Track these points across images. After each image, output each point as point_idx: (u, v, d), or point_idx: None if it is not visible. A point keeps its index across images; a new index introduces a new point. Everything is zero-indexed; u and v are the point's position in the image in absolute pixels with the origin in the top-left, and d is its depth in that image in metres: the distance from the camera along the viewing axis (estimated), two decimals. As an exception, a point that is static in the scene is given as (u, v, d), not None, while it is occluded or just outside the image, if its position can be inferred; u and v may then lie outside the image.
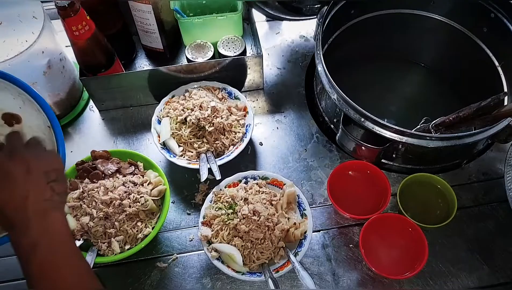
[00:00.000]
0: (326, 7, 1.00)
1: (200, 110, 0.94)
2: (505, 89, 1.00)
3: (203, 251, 0.89)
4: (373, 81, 1.16)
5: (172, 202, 0.95)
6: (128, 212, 0.83)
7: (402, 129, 0.84)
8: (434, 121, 0.93)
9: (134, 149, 1.02)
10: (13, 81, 0.72)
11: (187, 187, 0.97)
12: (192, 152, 0.94)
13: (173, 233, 0.92)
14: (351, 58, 1.14)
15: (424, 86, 1.17)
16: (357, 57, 1.16)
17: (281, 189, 0.90)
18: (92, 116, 1.08)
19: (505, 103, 0.94)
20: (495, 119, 0.83)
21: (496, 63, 1.05)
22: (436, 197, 0.91)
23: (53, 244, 0.56)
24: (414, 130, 0.92)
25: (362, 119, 0.88)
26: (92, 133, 1.05)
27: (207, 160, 0.92)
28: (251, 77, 1.06)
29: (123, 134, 1.05)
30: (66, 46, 1.01)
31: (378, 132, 0.87)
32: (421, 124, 0.98)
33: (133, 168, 0.89)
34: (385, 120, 0.86)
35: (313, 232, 0.90)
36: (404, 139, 0.85)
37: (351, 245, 0.90)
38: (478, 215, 0.93)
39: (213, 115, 0.94)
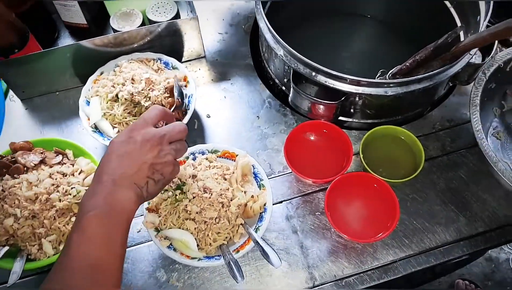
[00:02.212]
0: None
1: (132, 83, 0.83)
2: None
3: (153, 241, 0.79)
4: (321, 39, 1.07)
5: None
6: (58, 207, 0.71)
7: (357, 78, 0.76)
8: (391, 71, 0.86)
9: (65, 138, 0.90)
10: None
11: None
12: (129, 132, 0.83)
13: (117, 225, 0.81)
14: (295, 17, 1.06)
15: (376, 39, 1.09)
16: (302, 15, 1.07)
17: (234, 161, 0.81)
18: (13, 106, 0.94)
19: (462, 39, 0.88)
20: (454, 56, 0.77)
21: (448, 4, 0.98)
22: (402, 150, 0.84)
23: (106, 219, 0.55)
24: None
25: (313, 74, 0.79)
26: (15, 126, 0.92)
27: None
28: (190, 45, 0.96)
29: (51, 122, 0.92)
30: None
31: (332, 85, 0.79)
32: (377, 77, 0.90)
33: (61, 157, 0.78)
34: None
35: (274, 203, 0.82)
36: (361, 89, 0.78)
37: (317, 213, 0.82)
38: (448, 164, 0.87)
39: (148, 88, 0.83)
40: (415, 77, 0.76)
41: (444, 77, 0.79)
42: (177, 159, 0.64)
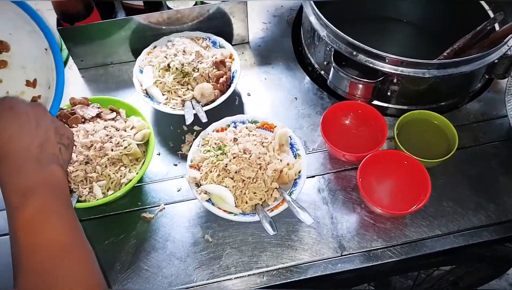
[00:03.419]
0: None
1: (183, 55, 0.89)
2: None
3: (192, 200, 0.84)
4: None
5: (157, 154, 0.90)
6: (110, 156, 0.77)
7: (397, 57, 0.80)
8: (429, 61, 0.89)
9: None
10: None
11: (172, 138, 0.92)
12: (176, 99, 0.89)
13: (159, 184, 0.86)
14: (332, 21, 1.10)
15: (410, 43, 1.12)
16: (337, 19, 1.12)
17: (272, 132, 0.86)
18: (71, 74, 1.02)
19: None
20: (493, 42, 0.80)
21: (486, 7, 1.02)
22: (435, 135, 0.87)
23: (49, 195, 0.51)
24: None
25: (354, 52, 0.84)
26: (71, 92, 0.99)
27: (193, 107, 0.87)
28: (236, 29, 1.02)
29: (105, 93, 0.99)
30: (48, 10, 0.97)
31: (371, 65, 0.83)
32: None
33: (115, 114, 0.84)
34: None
35: (307, 177, 0.85)
36: (400, 70, 0.82)
37: (348, 189, 0.85)
38: (480, 154, 0.89)
39: (197, 60, 0.90)
40: (453, 60, 0.80)
41: (481, 64, 0.82)
42: None
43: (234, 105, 0.96)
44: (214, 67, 0.91)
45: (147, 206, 0.83)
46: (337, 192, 0.85)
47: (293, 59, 1.04)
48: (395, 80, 0.85)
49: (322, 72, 0.98)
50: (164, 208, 0.83)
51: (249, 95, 0.98)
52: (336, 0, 1.06)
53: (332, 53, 0.86)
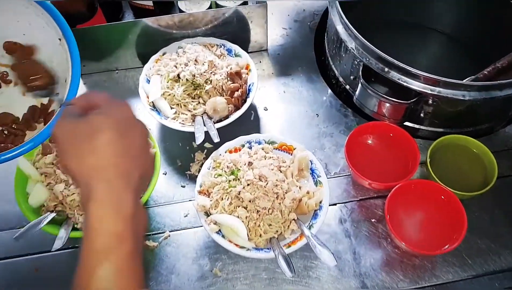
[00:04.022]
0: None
1: (195, 64, 0.81)
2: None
3: (200, 227, 0.76)
4: (386, 49, 1.02)
5: (163, 173, 0.82)
6: (110, 179, 0.69)
7: (434, 77, 0.71)
8: (466, 79, 0.81)
9: (120, 115, 0.89)
10: None
11: (181, 156, 0.84)
12: (186, 114, 0.81)
13: (165, 207, 0.78)
14: (360, 26, 1.01)
15: (442, 53, 1.03)
16: (367, 25, 1.02)
17: (291, 155, 0.77)
18: (73, 80, 0.95)
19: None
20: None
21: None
22: (472, 163, 0.78)
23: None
24: None
25: (386, 69, 0.75)
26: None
27: (204, 123, 0.79)
28: (254, 35, 0.94)
29: (108, 100, 0.92)
30: None
31: (404, 84, 0.74)
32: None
33: (117, 130, 0.76)
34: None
35: (329, 205, 0.77)
36: (436, 90, 0.73)
37: (373, 220, 0.77)
38: (520, 185, 0.80)
39: (210, 71, 0.81)
40: (498, 82, 0.71)
41: (531, 86, 0.72)
42: None
43: (249, 120, 0.88)
44: (228, 79, 0.82)
45: (150, 233, 0.76)
46: (360, 223, 0.77)
47: (315, 70, 0.95)
48: (430, 101, 0.76)
49: (348, 87, 0.89)
50: (169, 236, 0.75)
51: (266, 109, 0.90)
52: (365, 4, 0.97)
53: (361, 68, 0.78)
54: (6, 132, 0.66)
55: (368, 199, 0.79)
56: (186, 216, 0.77)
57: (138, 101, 0.85)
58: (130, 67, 0.95)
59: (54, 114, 0.66)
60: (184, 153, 0.84)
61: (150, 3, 0.97)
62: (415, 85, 0.73)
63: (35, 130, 0.66)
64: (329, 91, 0.92)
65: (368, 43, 0.75)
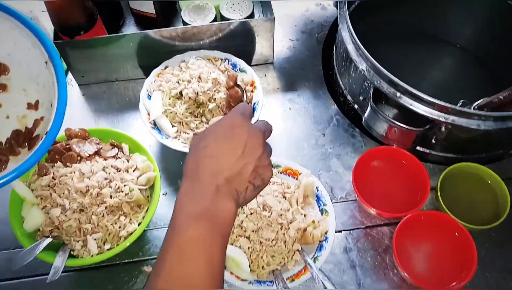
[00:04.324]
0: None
1: (199, 82, 0.77)
2: None
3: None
4: (399, 61, 0.97)
5: (163, 194, 0.79)
6: (108, 204, 0.67)
7: (448, 105, 0.68)
8: (478, 102, 0.77)
9: (121, 130, 0.85)
10: (6, 10, 0.61)
11: (181, 176, 0.80)
12: (188, 133, 0.78)
13: (164, 231, 0.75)
14: (372, 35, 0.97)
15: (459, 68, 0.99)
16: (380, 34, 0.99)
17: (296, 179, 0.74)
18: (70, 91, 0.91)
19: None
20: None
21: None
22: (484, 193, 0.75)
23: (209, 229, 0.47)
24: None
25: (398, 94, 0.72)
26: (70, 111, 0.86)
27: (207, 143, 0.76)
28: (260, 47, 0.90)
29: (107, 113, 0.88)
30: (42, 11, 0.85)
31: (417, 110, 0.71)
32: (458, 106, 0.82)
33: (116, 151, 0.73)
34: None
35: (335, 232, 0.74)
36: (450, 119, 0.69)
37: (379, 249, 0.74)
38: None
39: (214, 89, 0.78)
40: (518, 112, 0.68)
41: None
42: None
43: (252, 139, 0.85)
44: (229, 95, 0.79)
45: (148, 257, 0.73)
46: (366, 253, 0.74)
47: (322, 85, 0.92)
48: (442, 128, 0.73)
49: (356, 106, 0.85)
50: (168, 261, 0.73)
51: (271, 127, 0.86)
52: (376, 13, 0.93)
53: (371, 90, 0.74)
54: None
55: (375, 227, 0.77)
56: (186, 241, 0.75)
57: (139, 112, 0.82)
58: (130, 78, 0.91)
59: (39, 138, 0.61)
60: (185, 173, 0.81)
61: (152, 10, 0.93)
62: (428, 112, 0.70)
63: (18, 155, 0.62)
64: (337, 108, 0.89)
65: (379, 66, 0.72)
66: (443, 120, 0.70)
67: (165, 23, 0.97)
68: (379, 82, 0.73)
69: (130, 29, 0.99)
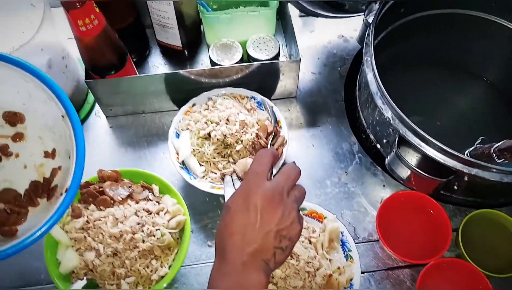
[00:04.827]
0: (377, 5, 0.85)
1: (227, 124, 0.79)
2: None
3: (227, 292, 0.76)
4: (422, 89, 1.00)
5: (190, 231, 0.81)
6: (141, 249, 0.69)
7: (472, 160, 0.70)
8: (498, 145, 0.78)
9: (148, 164, 0.88)
10: (21, 65, 0.60)
11: (208, 213, 0.83)
12: (215, 173, 0.80)
13: (191, 269, 0.78)
14: (397, 62, 0.99)
15: (483, 103, 1.00)
16: (405, 62, 1.00)
17: (321, 223, 0.77)
18: (98, 122, 0.93)
19: None
20: None
21: None
22: (505, 240, 0.77)
23: None
24: (471, 150, 0.78)
25: (422, 144, 0.73)
26: (98, 143, 0.91)
27: (233, 184, 0.78)
28: (283, 83, 0.91)
29: (134, 145, 0.90)
30: (69, 39, 0.86)
31: (441, 161, 0.72)
32: (476, 144, 0.83)
33: (147, 193, 0.75)
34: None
35: (357, 275, 0.76)
36: (474, 171, 0.71)
37: (401, 292, 0.77)
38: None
39: (241, 131, 0.80)
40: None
41: None
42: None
43: (277, 176, 0.87)
44: (258, 137, 0.81)
45: (176, 296, 0.76)
46: (388, 295, 0.77)
47: (344, 122, 0.93)
48: (465, 178, 0.75)
49: (378, 146, 0.87)
50: (196, 300, 0.75)
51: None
52: (402, 40, 0.94)
53: (396, 138, 0.76)
54: (8, 210, 0.62)
55: (396, 269, 0.79)
56: (212, 282, 0.77)
57: (165, 143, 0.85)
58: (156, 111, 0.93)
59: (57, 189, 0.62)
60: (211, 209, 0.83)
61: (179, 44, 0.94)
62: (452, 163, 0.72)
63: (37, 207, 0.63)
64: (359, 145, 0.90)
65: (406, 118, 0.73)
66: (467, 171, 0.71)
67: (191, 54, 0.99)
68: (404, 131, 0.75)
69: (156, 58, 1.00)
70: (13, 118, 0.65)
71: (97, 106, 0.93)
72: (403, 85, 0.96)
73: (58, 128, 0.61)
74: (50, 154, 0.65)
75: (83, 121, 0.92)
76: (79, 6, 0.69)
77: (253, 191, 0.54)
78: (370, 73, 0.80)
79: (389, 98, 0.76)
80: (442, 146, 0.71)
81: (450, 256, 0.78)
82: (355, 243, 0.79)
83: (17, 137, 0.66)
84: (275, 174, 0.58)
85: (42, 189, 0.64)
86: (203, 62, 0.99)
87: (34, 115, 0.64)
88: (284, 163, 0.88)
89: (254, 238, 0.51)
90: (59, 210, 0.56)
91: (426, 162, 0.75)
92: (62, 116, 0.60)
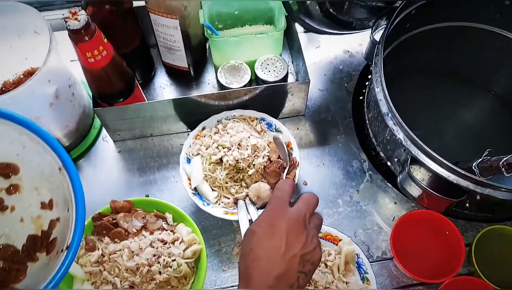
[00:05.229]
0: (384, 21, 0.85)
1: (238, 149, 0.79)
2: None
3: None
4: (431, 100, 1.00)
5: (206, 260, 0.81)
6: (158, 280, 0.69)
7: (484, 181, 0.70)
8: (506, 158, 0.78)
9: (158, 189, 0.87)
10: (12, 119, 0.58)
11: (221, 236, 0.83)
12: (228, 198, 0.80)
13: (206, 294, 0.78)
14: (402, 76, 0.99)
15: (490, 116, 1.00)
16: (410, 75, 1.00)
17: (336, 245, 0.77)
18: (106, 147, 0.92)
19: None
20: None
21: None
22: (517, 254, 0.78)
23: None
24: (479, 163, 0.78)
25: (435, 165, 0.73)
26: (107, 168, 0.90)
27: (247, 208, 0.78)
28: (292, 102, 0.91)
29: (143, 169, 0.90)
30: (72, 61, 0.84)
31: (454, 181, 0.73)
32: (483, 156, 0.83)
33: (161, 222, 0.75)
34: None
35: (372, 294, 0.77)
36: (487, 191, 0.71)
37: (416, 310, 0.77)
38: None
39: (253, 155, 0.79)
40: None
41: None
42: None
43: (289, 197, 0.87)
44: (269, 161, 0.80)
45: (194, 323, 0.76)
46: (404, 314, 0.77)
47: (353, 138, 0.93)
48: (477, 197, 0.75)
49: (389, 163, 0.87)
50: (212, 327, 0.76)
51: (306, 184, 0.88)
52: (409, 51, 0.94)
53: (409, 158, 0.76)
54: (6, 268, 0.59)
55: (411, 286, 0.79)
56: (229, 308, 0.77)
57: (175, 166, 0.86)
58: (165, 133, 0.93)
59: (56, 242, 0.58)
60: (225, 233, 0.83)
61: (185, 65, 0.94)
62: (465, 184, 0.72)
63: (37, 262, 0.60)
64: (369, 163, 0.90)
65: (418, 140, 0.73)
66: (479, 191, 0.71)
67: (197, 74, 0.98)
68: (416, 152, 0.75)
69: (161, 79, 1.00)
70: (5, 170, 0.62)
71: (104, 131, 0.92)
72: (409, 99, 0.95)
73: (54, 178, 0.59)
74: (47, 205, 0.62)
75: (90, 146, 0.92)
76: (88, 39, 0.68)
77: (277, 217, 0.55)
78: (380, 93, 0.80)
79: (401, 120, 0.75)
80: (456, 168, 0.71)
81: (463, 272, 0.79)
82: (370, 262, 0.80)
83: (13, 189, 0.63)
84: (294, 202, 0.60)
85: (41, 243, 0.61)
86: (209, 82, 0.99)
87: (29, 166, 0.62)
88: (297, 184, 0.88)
89: (280, 263, 0.52)
90: (61, 270, 0.52)
91: (439, 182, 0.75)
92: (59, 169, 0.57)
